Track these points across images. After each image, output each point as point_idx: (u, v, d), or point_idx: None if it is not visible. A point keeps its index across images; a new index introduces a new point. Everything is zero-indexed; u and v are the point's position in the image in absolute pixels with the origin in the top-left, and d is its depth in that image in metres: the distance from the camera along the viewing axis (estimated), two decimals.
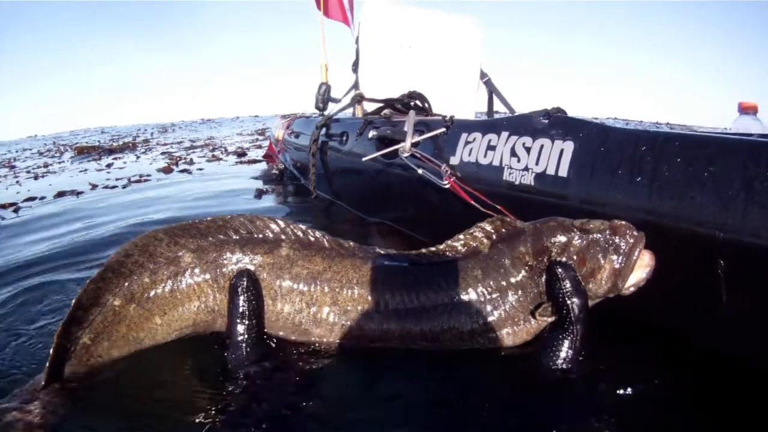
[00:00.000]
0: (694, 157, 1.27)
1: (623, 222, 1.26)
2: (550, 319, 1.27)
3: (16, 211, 4.28)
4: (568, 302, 1.21)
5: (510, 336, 1.33)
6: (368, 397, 1.28)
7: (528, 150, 1.68)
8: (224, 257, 1.38)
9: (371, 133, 2.65)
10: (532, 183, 1.64)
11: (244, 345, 1.29)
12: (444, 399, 1.25)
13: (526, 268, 1.33)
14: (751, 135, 1.67)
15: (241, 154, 8.10)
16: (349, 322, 1.37)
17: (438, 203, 2.09)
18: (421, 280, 1.39)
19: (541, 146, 1.64)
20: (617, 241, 1.25)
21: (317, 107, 4.33)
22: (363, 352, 1.39)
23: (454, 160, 1.97)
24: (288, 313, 1.38)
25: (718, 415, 1.17)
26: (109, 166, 7.58)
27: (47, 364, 1.19)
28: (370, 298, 1.37)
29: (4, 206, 4.41)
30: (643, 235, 1.24)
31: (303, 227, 1.47)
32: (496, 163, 1.78)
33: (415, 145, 2.14)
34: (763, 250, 1.10)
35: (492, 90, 4.08)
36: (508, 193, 1.72)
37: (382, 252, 1.49)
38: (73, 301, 1.26)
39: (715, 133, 1.57)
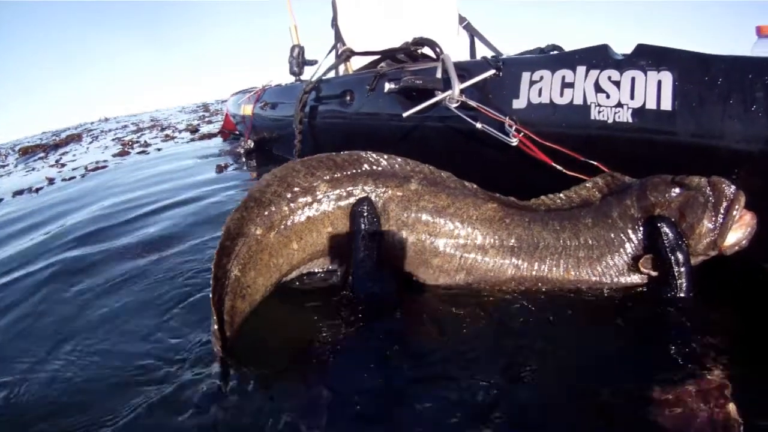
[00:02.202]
0: None
1: (723, 179, 1.27)
2: (653, 273, 1.32)
3: None
4: (671, 255, 1.26)
5: (612, 285, 1.40)
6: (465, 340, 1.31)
7: (617, 84, 1.52)
8: (357, 188, 1.51)
9: (387, 86, 2.39)
10: (630, 120, 1.49)
11: (365, 264, 1.42)
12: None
13: (632, 220, 1.38)
14: None
15: (193, 130, 7.60)
16: (465, 255, 1.49)
17: (499, 160, 1.87)
18: (536, 222, 1.48)
19: (633, 78, 1.49)
20: (717, 197, 1.26)
21: (292, 72, 4.01)
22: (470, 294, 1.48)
23: (519, 104, 1.78)
24: (412, 242, 1.51)
25: None
26: (58, 161, 6.94)
27: (211, 295, 1.28)
28: (487, 234, 1.49)
29: None
30: (743, 194, 1.24)
31: (430, 167, 1.59)
32: (578, 101, 1.61)
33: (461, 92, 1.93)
34: None
35: (474, 33, 3.88)
36: (599, 133, 1.56)
37: (501, 196, 1.58)
38: (222, 230, 1.40)
39: None
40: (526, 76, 1.77)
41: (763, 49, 2.36)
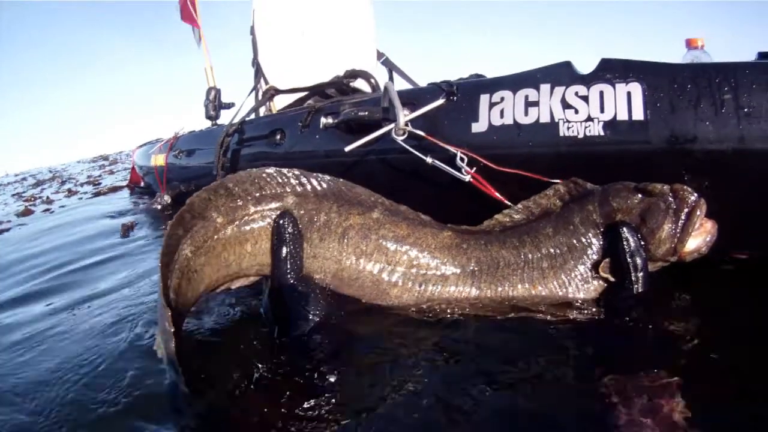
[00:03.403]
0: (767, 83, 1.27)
1: (685, 186, 1.28)
2: (611, 278, 1.31)
3: None
4: (629, 260, 1.27)
5: (580, 293, 1.37)
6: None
7: (585, 99, 1.47)
8: (321, 209, 1.48)
9: (324, 121, 2.21)
10: (602, 133, 1.44)
11: (289, 278, 1.40)
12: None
13: (594, 225, 1.36)
14: None
15: (95, 183, 6.97)
16: (425, 285, 1.44)
17: (452, 195, 1.72)
18: (494, 243, 1.45)
19: (601, 92, 1.46)
20: (678, 203, 1.27)
21: (208, 116, 3.74)
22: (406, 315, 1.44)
23: (478, 127, 1.65)
24: (369, 272, 1.46)
25: None
26: None
27: (159, 260, 1.31)
28: (446, 261, 1.45)
29: None
30: (704, 202, 1.25)
31: (390, 201, 1.57)
32: (544, 119, 1.52)
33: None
34: None
35: (392, 68, 3.84)
36: (569, 150, 1.49)
37: (453, 225, 1.55)
38: (186, 202, 1.42)
39: None
40: (484, 98, 1.66)
41: (696, 58, 2.50)
